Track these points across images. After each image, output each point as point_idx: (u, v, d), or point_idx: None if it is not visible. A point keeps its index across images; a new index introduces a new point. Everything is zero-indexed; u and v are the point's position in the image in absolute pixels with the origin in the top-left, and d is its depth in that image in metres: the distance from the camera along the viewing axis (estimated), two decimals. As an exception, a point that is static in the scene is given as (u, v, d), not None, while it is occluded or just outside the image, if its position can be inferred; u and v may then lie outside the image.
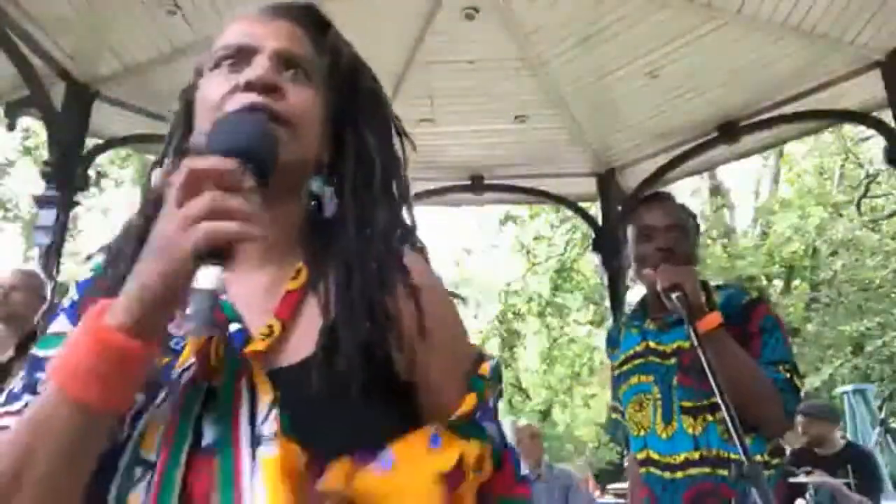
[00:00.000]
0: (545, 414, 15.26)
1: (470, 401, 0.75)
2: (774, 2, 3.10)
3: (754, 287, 11.51)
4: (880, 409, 7.11)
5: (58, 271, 3.51)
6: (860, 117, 3.73)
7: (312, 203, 0.85)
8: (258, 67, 0.75)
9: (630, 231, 1.83)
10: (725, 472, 1.56)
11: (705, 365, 1.41)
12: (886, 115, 3.40)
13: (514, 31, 3.46)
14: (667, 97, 3.79)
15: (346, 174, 0.81)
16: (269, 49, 0.77)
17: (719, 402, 1.38)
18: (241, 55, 0.77)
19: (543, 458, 4.67)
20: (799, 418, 3.74)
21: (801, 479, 3.30)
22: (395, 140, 0.86)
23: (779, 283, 12.03)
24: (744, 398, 1.49)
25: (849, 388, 7.50)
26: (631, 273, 1.94)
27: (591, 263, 11.72)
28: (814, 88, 3.60)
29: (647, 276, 1.69)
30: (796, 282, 11.86)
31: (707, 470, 1.60)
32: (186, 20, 3.19)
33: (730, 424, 1.37)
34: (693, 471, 1.62)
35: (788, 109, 3.76)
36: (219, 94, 0.74)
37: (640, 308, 1.91)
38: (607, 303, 4.40)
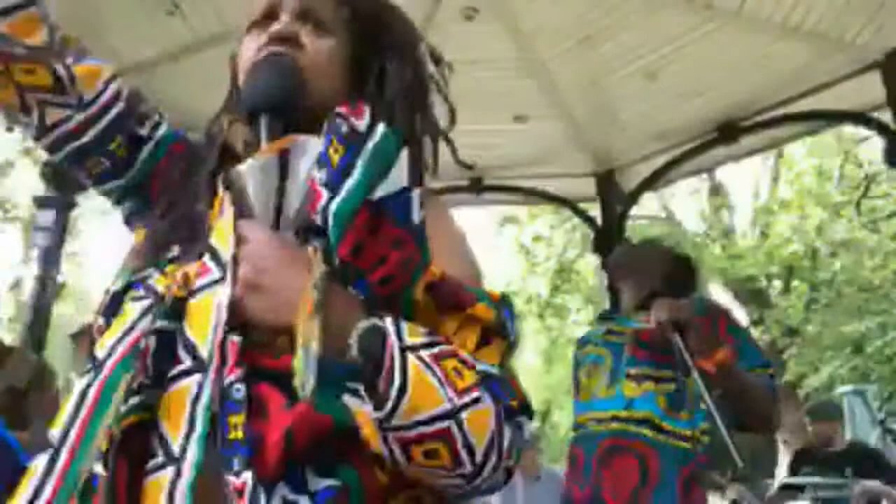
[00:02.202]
0: (545, 415, 15.26)
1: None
2: (774, 2, 3.10)
3: (754, 288, 11.57)
4: (880, 409, 7.10)
5: (57, 272, 3.51)
6: (860, 118, 3.72)
7: None
8: (279, 23, 0.86)
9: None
10: (650, 433, 1.70)
11: (704, 393, 1.52)
12: (886, 116, 3.40)
13: (514, 31, 3.46)
14: (667, 97, 3.78)
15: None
16: (289, 7, 0.88)
17: (716, 418, 1.49)
18: (266, 17, 0.88)
19: (539, 464, 4.69)
20: (806, 419, 3.77)
21: (802, 479, 3.30)
22: (424, 78, 0.94)
23: (778, 284, 12.02)
24: (752, 414, 1.61)
25: (848, 388, 7.50)
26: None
27: (590, 264, 11.73)
28: (813, 89, 3.60)
29: (644, 321, 1.80)
30: (796, 282, 11.85)
31: (631, 428, 1.72)
32: (186, 20, 3.18)
33: (723, 430, 1.46)
34: (615, 425, 1.74)
35: (788, 110, 3.76)
36: (251, 51, 0.86)
37: (611, 309, 2.12)
38: (607, 303, 4.40)
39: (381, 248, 0.75)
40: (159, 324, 0.69)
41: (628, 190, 4.50)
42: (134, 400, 0.67)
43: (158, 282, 0.73)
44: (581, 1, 3.26)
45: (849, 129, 10.13)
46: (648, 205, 10.89)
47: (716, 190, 12.53)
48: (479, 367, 0.72)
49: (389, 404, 0.66)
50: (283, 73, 0.81)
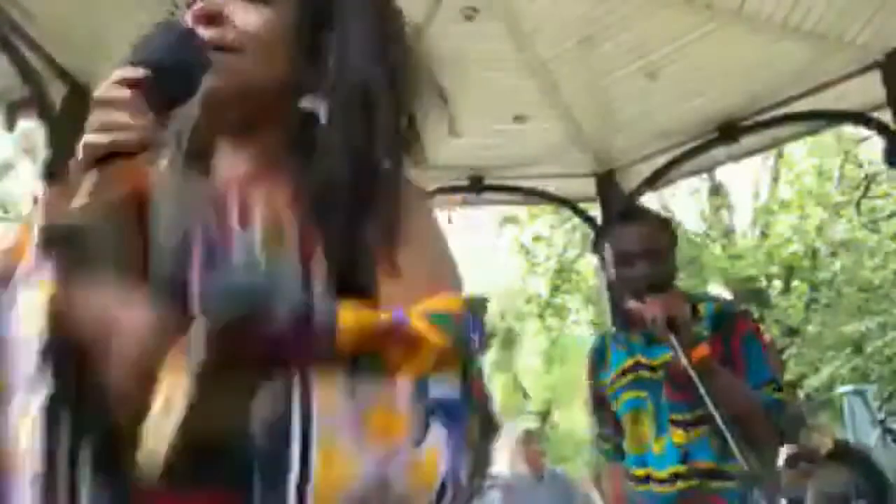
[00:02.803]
0: (545, 415, 15.25)
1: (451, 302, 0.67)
2: (774, 2, 3.10)
3: (754, 288, 11.56)
4: (880, 409, 7.10)
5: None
6: (860, 118, 3.72)
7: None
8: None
9: (608, 253, 1.85)
10: (716, 484, 1.63)
11: (704, 394, 1.46)
12: (886, 116, 3.40)
13: (514, 31, 3.46)
14: (667, 97, 3.78)
15: (327, 91, 0.74)
16: None
17: (716, 417, 1.44)
18: None
19: (545, 461, 4.73)
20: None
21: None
22: (388, 46, 0.77)
23: (778, 284, 12.01)
24: (739, 424, 1.54)
25: (848, 388, 7.51)
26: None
27: (590, 264, 11.71)
28: (813, 89, 3.60)
29: (635, 310, 1.70)
30: (796, 282, 11.84)
31: (695, 482, 1.64)
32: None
33: (727, 434, 1.42)
34: (681, 484, 1.66)
35: (788, 110, 3.76)
36: None
37: (621, 322, 1.98)
38: (607, 304, 4.39)
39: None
40: None
41: (628, 190, 4.49)
42: None
43: None
44: (581, 1, 3.26)
45: (849, 129, 10.13)
46: (648, 205, 10.88)
47: (716, 190, 12.53)
48: (432, 394, 0.61)
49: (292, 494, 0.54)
50: (174, 46, 0.71)
